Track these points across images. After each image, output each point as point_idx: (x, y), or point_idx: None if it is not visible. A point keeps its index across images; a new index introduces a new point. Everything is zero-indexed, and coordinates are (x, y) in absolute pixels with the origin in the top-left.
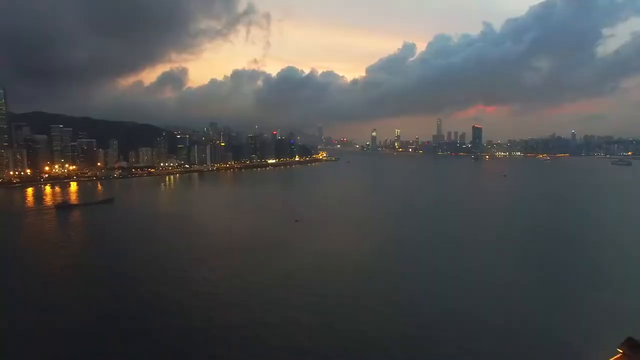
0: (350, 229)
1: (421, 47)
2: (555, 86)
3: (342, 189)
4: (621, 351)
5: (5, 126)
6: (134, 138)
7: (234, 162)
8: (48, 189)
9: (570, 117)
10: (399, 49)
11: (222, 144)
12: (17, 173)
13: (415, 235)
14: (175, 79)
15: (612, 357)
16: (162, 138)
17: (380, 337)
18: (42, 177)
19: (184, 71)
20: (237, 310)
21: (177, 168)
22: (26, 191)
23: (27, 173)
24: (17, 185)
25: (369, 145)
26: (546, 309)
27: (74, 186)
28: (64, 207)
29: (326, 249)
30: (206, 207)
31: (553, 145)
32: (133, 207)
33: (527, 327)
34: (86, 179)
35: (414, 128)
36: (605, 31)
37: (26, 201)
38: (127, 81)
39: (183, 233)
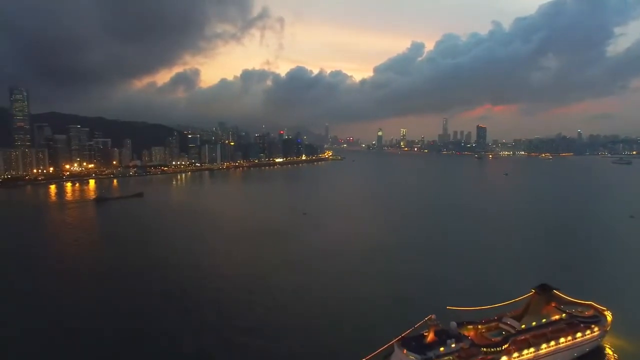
0: (352, 221)
1: (430, 46)
2: (563, 86)
3: (346, 185)
4: (534, 290)
5: (27, 127)
6: (146, 137)
7: (243, 161)
8: (69, 185)
9: (578, 117)
10: (407, 48)
11: (232, 143)
12: (40, 171)
13: (409, 226)
14: (187, 79)
15: (526, 294)
16: (173, 137)
17: (364, 301)
18: (64, 175)
19: (197, 72)
20: (248, 288)
21: (188, 166)
22: (52, 188)
23: (49, 171)
24: (42, 182)
25: (374, 144)
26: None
27: (92, 183)
28: (101, 200)
29: (330, 237)
30: (222, 201)
31: (558, 144)
32: (160, 200)
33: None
34: (104, 177)
35: (421, 127)
36: (617, 30)
37: (62, 196)
38: (141, 82)
39: (204, 222)
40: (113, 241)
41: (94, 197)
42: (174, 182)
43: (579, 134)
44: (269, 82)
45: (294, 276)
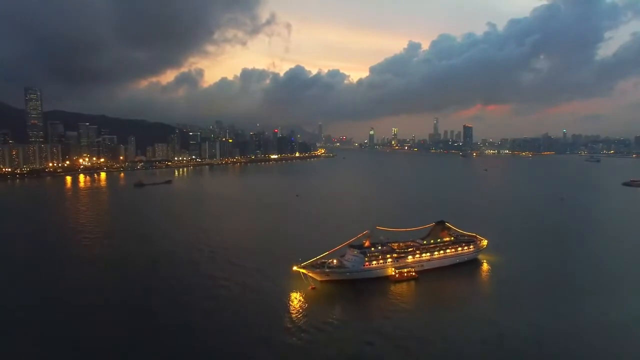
0: (337, 202)
1: (426, 46)
2: (554, 87)
3: (335, 177)
4: (434, 223)
5: (41, 124)
6: (148, 135)
7: (241, 157)
8: (82, 177)
9: (567, 117)
10: (404, 48)
11: (230, 140)
12: (56, 164)
13: (382, 205)
14: (191, 79)
15: (429, 225)
16: (175, 135)
17: None
18: (79, 168)
19: (200, 72)
20: (249, 252)
21: (190, 162)
22: (68, 179)
23: (64, 164)
24: (61, 174)
25: (366, 143)
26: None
27: (103, 175)
28: (139, 185)
29: (316, 207)
30: (229, 187)
31: (541, 144)
32: (184, 186)
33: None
34: (114, 170)
35: (414, 126)
36: (607, 34)
37: (100, 184)
38: (147, 82)
39: (221, 201)
40: (165, 209)
41: (135, 182)
42: (186, 174)
43: (564, 134)
44: (267, 82)
45: (293, 222)
